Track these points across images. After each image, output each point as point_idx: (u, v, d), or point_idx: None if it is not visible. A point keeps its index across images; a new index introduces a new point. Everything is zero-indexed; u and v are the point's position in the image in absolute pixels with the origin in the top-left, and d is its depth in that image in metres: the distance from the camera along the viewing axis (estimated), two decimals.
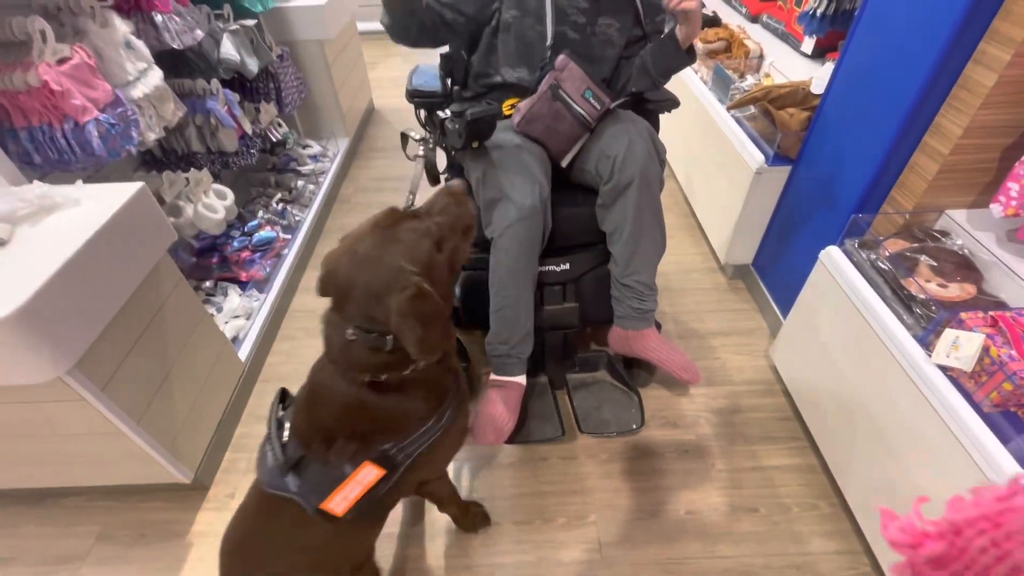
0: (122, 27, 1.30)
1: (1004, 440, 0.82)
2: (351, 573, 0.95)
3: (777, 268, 1.64)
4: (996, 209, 1.00)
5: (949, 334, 0.90)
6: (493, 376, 1.26)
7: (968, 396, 0.88)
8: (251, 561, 0.84)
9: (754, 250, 1.74)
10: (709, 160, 1.85)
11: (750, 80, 1.82)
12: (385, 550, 1.20)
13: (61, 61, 1.12)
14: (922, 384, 0.93)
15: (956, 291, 1.01)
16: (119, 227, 0.99)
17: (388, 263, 0.74)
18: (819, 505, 1.25)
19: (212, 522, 1.27)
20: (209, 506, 1.30)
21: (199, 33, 1.56)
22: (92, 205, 1.00)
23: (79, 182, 1.05)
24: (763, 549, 1.18)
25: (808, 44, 1.77)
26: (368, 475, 0.80)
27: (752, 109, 1.63)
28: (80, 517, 1.29)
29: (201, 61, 1.70)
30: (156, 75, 1.38)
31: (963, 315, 0.92)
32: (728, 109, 1.69)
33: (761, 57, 1.90)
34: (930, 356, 0.92)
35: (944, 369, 0.91)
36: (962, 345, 0.88)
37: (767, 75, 1.84)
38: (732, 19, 2.17)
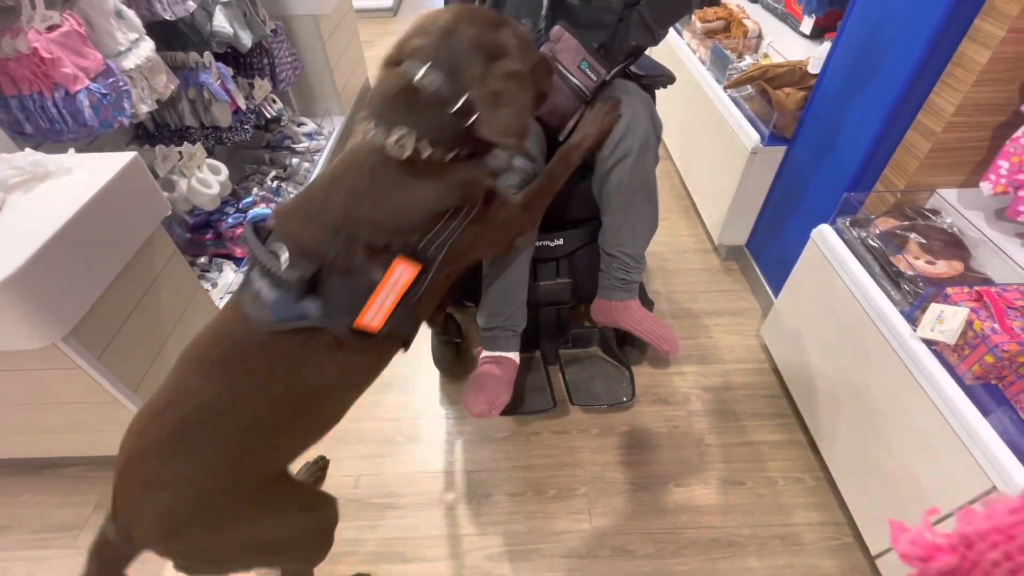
0: None
1: (984, 412, 0.84)
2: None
3: (770, 249, 1.65)
4: (986, 187, 1.01)
5: (934, 308, 0.91)
6: (485, 353, 1.26)
7: (951, 369, 0.90)
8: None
9: (748, 231, 1.75)
10: (705, 140, 1.85)
11: (748, 60, 1.81)
12: (378, 521, 1.23)
13: (51, 28, 1.10)
14: (907, 358, 0.95)
15: (944, 268, 1.02)
16: (112, 196, 0.99)
17: (509, 32, 0.73)
18: (804, 479, 1.28)
19: None
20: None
21: (191, 4, 1.53)
22: (84, 174, 1.00)
23: (71, 151, 1.04)
24: (749, 520, 1.21)
25: (807, 24, 1.76)
26: (402, 276, 0.73)
27: (749, 89, 1.63)
28: (78, 486, 1.30)
29: (193, 33, 1.68)
30: (148, 46, 1.37)
31: (949, 290, 0.93)
32: (725, 89, 1.68)
33: (760, 37, 1.89)
34: (916, 331, 0.94)
35: (929, 343, 0.93)
36: (947, 319, 0.89)
37: (765, 55, 1.83)
38: None
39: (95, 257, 0.97)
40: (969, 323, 0.87)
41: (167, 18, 1.47)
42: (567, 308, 1.37)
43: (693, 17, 2.02)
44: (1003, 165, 0.98)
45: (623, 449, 1.35)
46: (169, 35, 1.69)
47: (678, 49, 2.06)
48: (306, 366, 0.72)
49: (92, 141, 1.46)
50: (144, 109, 1.35)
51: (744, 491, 1.27)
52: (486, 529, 1.21)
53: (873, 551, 1.07)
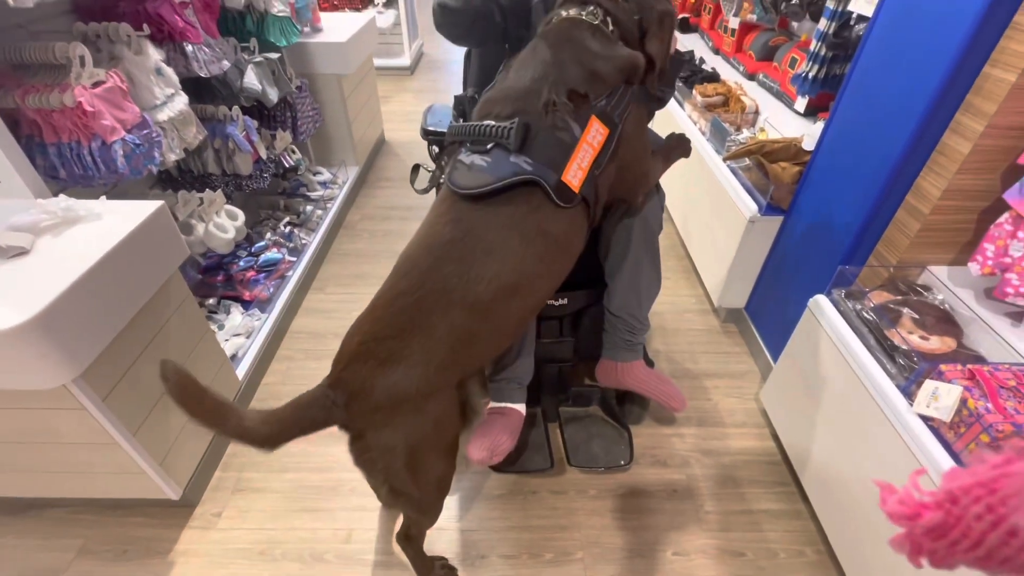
0: (155, 55, 1.38)
1: None
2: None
3: (768, 313, 1.69)
4: (974, 268, 1.05)
5: (929, 385, 0.93)
6: (492, 404, 1.28)
7: (948, 447, 0.91)
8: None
9: (747, 295, 1.79)
10: (705, 207, 1.93)
11: (746, 133, 1.91)
12: None
13: (96, 84, 1.18)
14: (904, 433, 0.96)
15: (937, 344, 1.05)
16: (136, 242, 1.03)
17: None
18: (805, 552, 1.25)
19: (196, 541, 1.26)
20: (195, 524, 1.29)
21: (226, 63, 1.64)
22: (113, 220, 1.04)
23: (103, 197, 1.10)
24: None
25: (801, 103, 1.88)
26: (597, 134, 0.86)
27: (747, 161, 1.71)
28: (63, 529, 1.27)
29: (224, 89, 1.79)
30: (182, 100, 1.45)
31: (943, 367, 0.95)
32: (724, 160, 1.77)
33: (757, 113, 2.00)
34: (912, 406, 0.95)
35: (925, 419, 0.94)
36: (941, 396, 0.91)
37: (762, 130, 1.94)
38: (730, 76, 2.29)
39: (115, 301, 1.00)
40: (963, 401, 0.89)
41: (202, 75, 1.57)
42: (568, 366, 1.38)
43: (694, 91, 2.15)
44: (989, 248, 1.03)
45: (621, 512, 1.33)
46: (201, 88, 1.79)
47: (680, 120, 2.18)
48: (538, 213, 0.84)
49: (116, 185, 1.52)
50: (172, 158, 1.42)
51: (744, 563, 1.24)
52: None
53: None
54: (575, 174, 0.85)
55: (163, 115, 1.39)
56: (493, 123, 0.86)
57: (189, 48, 1.53)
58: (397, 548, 1.23)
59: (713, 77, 2.29)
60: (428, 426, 0.85)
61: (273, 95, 1.88)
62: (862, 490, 1.08)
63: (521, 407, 1.23)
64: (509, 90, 0.89)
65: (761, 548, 1.26)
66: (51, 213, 1.01)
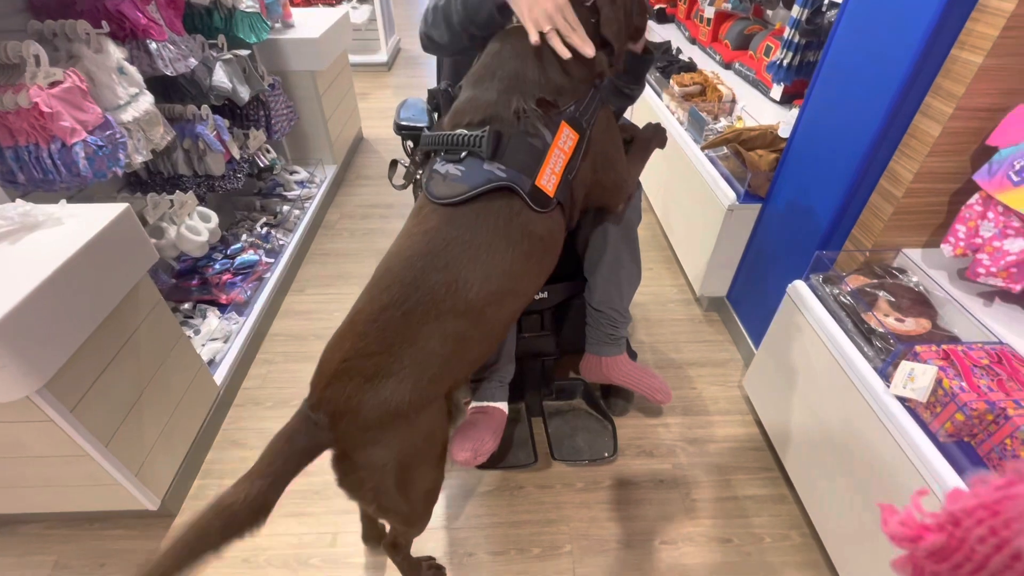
0: (116, 53, 1.33)
1: (959, 470, 0.85)
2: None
3: (750, 301, 1.70)
4: (946, 249, 1.07)
5: (905, 366, 0.94)
6: (474, 403, 1.27)
7: (925, 426, 0.92)
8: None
9: (728, 283, 1.80)
10: (685, 196, 1.93)
11: (723, 122, 1.91)
12: None
13: (53, 84, 1.14)
14: (882, 414, 0.97)
15: (912, 325, 1.06)
16: (100, 247, 1.00)
17: None
18: (791, 535, 1.27)
19: None
20: (175, 534, 1.26)
21: (192, 61, 1.60)
22: (74, 225, 1.01)
23: (63, 201, 1.06)
24: None
25: (776, 91, 1.88)
26: (567, 140, 0.87)
27: (725, 150, 1.72)
28: (36, 546, 1.24)
29: (193, 87, 1.74)
30: (147, 100, 1.41)
31: (918, 348, 0.97)
32: (702, 149, 1.77)
33: (733, 101, 2.01)
34: (889, 387, 0.96)
35: (903, 400, 0.95)
36: (917, 377, 0.92)
37: (739, 118, 1.94)
38: (707, 65, 2.29)
39: (78, 308, 0.96)
40: (938, 381, 0.90)
41: (168, 74, 1.52)
42: (551, 360, 1.38)
43: (672, 81, 2.15)
44: (960, 229, 1.04)
45: (609, 504, 1.33)
46: (168, 87, 1.74)
47: (658, 111, 2.18)
48: (521, 215, 0.84)
49: (83, 189, 1.47)
50: (139, 159, 1.37)
51: (731, 549, 1.24)
52: None
53: None
54: (549, 179, 0.85)
55: (127, 115, 1.34)
56: (465, 132, 0.85)
57: (153, 46, 1.49)
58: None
59: (690, 67, 2.29)
60: (420, 440, 0.83)
61: (244, 93, 1.84)
62: (843, 472, 1.09)
63: (503, 405, 1.22)
64: (477, 99, 0.88)
65: (747, 534, 1.27)
66: (8, 219, 0.97)
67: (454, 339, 0.80)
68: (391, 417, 0.77)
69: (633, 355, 1.42)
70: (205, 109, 1.67)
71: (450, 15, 0.97)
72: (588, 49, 0.87)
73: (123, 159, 1.30)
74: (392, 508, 0.87)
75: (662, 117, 2.11)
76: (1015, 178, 0.95)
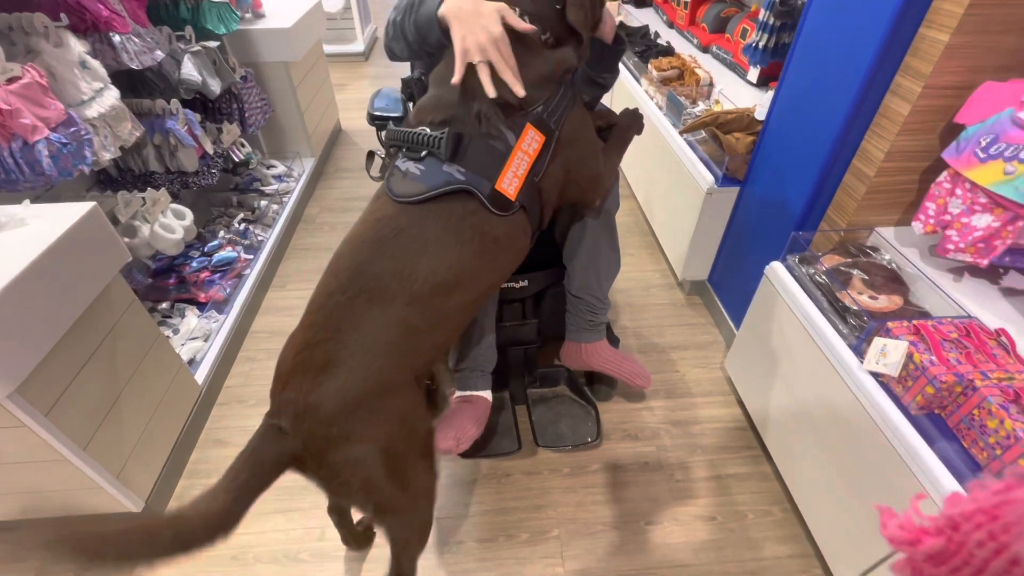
0: (77, 47, 1.29)
1: (930, 442, 0.88)
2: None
3: (730, 283, 1.72)
4: (917, 227, 1.09)
5: (878, 342, 0.96)
6: (458, 393, 1.28)
7: (898, 400, 0.94)
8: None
9: (709, 266, 1.82)
10: (665, 181, 1.94)
11: (701, 106, 1.92)
12: (343, 573, 1.18)
13: (11, 80, 1.10)
14: (856, 390, 0.99)
15: (885, 303, 1.08)
16: (67, 248, 0.97)
17: None
18: (772, 511, 1.30)
19: None
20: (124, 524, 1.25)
21: (159, 54, 1.55)
22: (40, 225, 0.98)
23: (26, 202, 1.03)
24: (720, 556, 1.21)
25: (753, 74, 1.89)
26: (532, 142, 0.85)
27: (703, 133, 1.72)
28: (17, 553, 1.22)
29: (161, 81, 1.70)
30: (112, 95, 1.37)
31: (890, 324, 0.99)
32: (681, 133, 1.78)
33: (711, 85, 2.01)
34: (862, 363, 0.99)
35: (876, 375, 0.98)
36: (889, 352, 0.94)
37: (717, 102, 1.95)
38: (685, 49, 2.29)
39: (47, 310, 0.94)
40: (909, 356, 0.92)
41: (134, 67, 1.48)
42: (534, 348, 1.38)
43: (650, 66, 2.15)
44: (930, 207, 1.06)
45: (595, 488, 1.35)
46: (136, 82, 1.70)
47: (637, 96, 2.17)
48: (475, 216, 0.82)
49: (50, 188, 1.44)
50: (106, 157, 1.34)
51: (715, 526, 1.27)
52: None
53: None
54: (511, 182, 0.84)
55: (92, 111, 1.30)
56: (427, 131, 0.84)
57: (116, 38, 1.44)
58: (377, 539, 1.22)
59: (668, 51, 2.28)
60: (395, 425, 0.80)
61: (215, 86, 1.79)
62: (821, 448, 1.12)
63: (487, 394, 1.22)
64: (441, 98, 0.87)
65: (730, 511, 1.30)
66: None
67: (400, 327, 0.79)
68: (352, 405, 0.74)
69: (615, 341, 1.43)
70: (175, 103, 1.63)
71: (406, 33, 0.96)
72: (518, 88, 0.82)
73: (90, 157, 1.26)
74: (391, 506, 0.83)
75: (641, 102, 2.10)
76: (981, 155, 0.97)
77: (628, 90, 2.27)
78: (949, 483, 0.82)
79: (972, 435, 0.86)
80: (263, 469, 0.72)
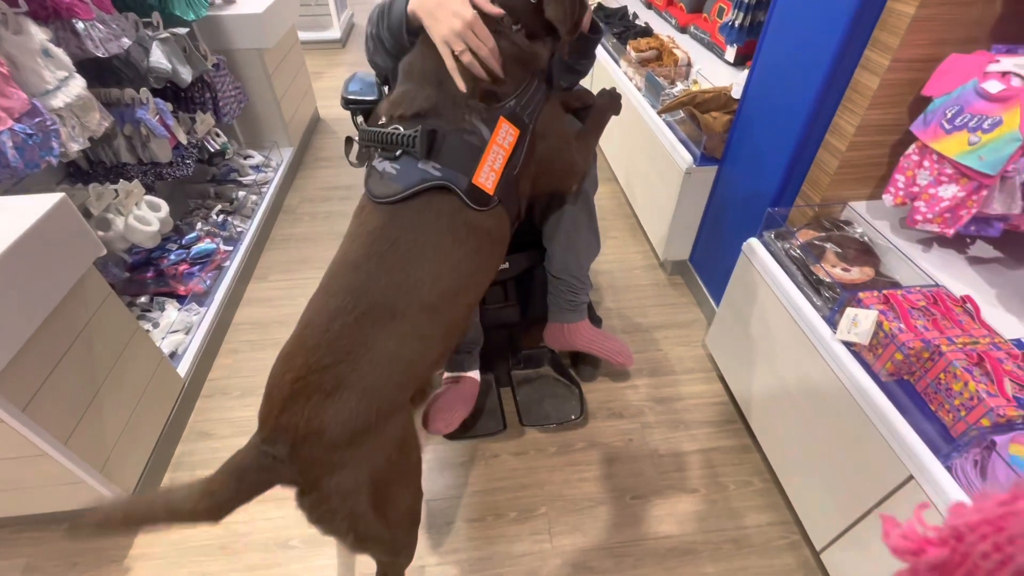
0: (39, 35, 1.25)
1: (899, 406, 0.91)
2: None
3: (711, 262, 1.74)
4: (887, 199, 1.11)
5: (849, 312, 0.99)
6: (447, 374, 1.29)
7: (869, 368, 0.97)
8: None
9: (690, 246, 1.83)
10: (645, 162, 1.95)
11: (680, 86, 1.92)
12: (333, 558, 1.19)
13: None
14: (830, 359, 1.01)
15: (857, 274, 1.11)
16: (35, 241, 0.95)
17: None
18: (753, 482, 1.33)
19: (152, 544, 1.22)
20: (148, 527, 1.25)
21: (125, 41, 1.51)
22: (5, 218, 0.96)
23: None
24: (703, 526, 1.25)
25: (730, 53, 1.90)
26: (507, 135, 0.85)
27: (681, 113, 1.73)
28: (4, 550, 1.21)
29: (129, 70, 1.66)
30: (78, 84, 1.33)
31: (861, 295, 1.01)
32: (659, 114, 1.78)
33: (689, 65, 2.01)
34: (835, 333, 1.01)
35: (848, 345, 1.00)
36: (860, 322, 0.96)
37: (695, 82, 1.95)
38: (663, 30, 2.29)
39: (17, 305, 0.93)
40: (879, 324, 0.95)
41: (99, 55, 1.44)
42: (517, 329, 1.39)
43: (628, 47, 2.14)
44: (899, 179, 1.08)
45: (581, 466, 1.37)
46: (103, 71, 1.65)
47: (616, 77, 2.17)
48: (465, 211, 0.81)
49: (18, 182, 1.40)
50: (75, 148, 1.31)
51: (698, 498, 1.30)
52: (446, 558, 1.20)
53: (817, 546, 1.12)
54: (488, 176, 0.83)
55: (57, 101, 1.27)
56: (399, 130, 0.82)
57: (80, 25, 1.40)
58: None
59: (646, 32, 2.28)
60: (393, 452, 0.77)
61: (186, 74, 1.75)
62: (798, 418, 1.15)
63: (475, 374, 1.24)
64: (411, 93, 0.85)
65: (712, 483, 1.33)
66: None
67: (414, 339, 0.77)
68: (360, 433, 0.71)
69: (598, 321, 1.44)
70: (144, 92, 1.60)
71: (383, 41, 0.95)
72: (498, 68, 0.84)
73: (57, 148, 1.23)
74: (372, 536, 0.79)
75: (620, 83, 2.10)
76: (947, 126, 0.99)
77: (607, 71, 2.27)
78: (917, 445, 0.85)
79: (939, 398, 0.89)
80: (244, 492, 0.69)
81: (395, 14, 0.90)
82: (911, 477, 0.85)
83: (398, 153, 0.82)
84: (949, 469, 0.81)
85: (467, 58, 0.82)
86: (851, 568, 1.03)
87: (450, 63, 0.83)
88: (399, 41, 0.92)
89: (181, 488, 0.69)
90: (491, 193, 0.84)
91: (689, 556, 1.20)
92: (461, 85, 0.83)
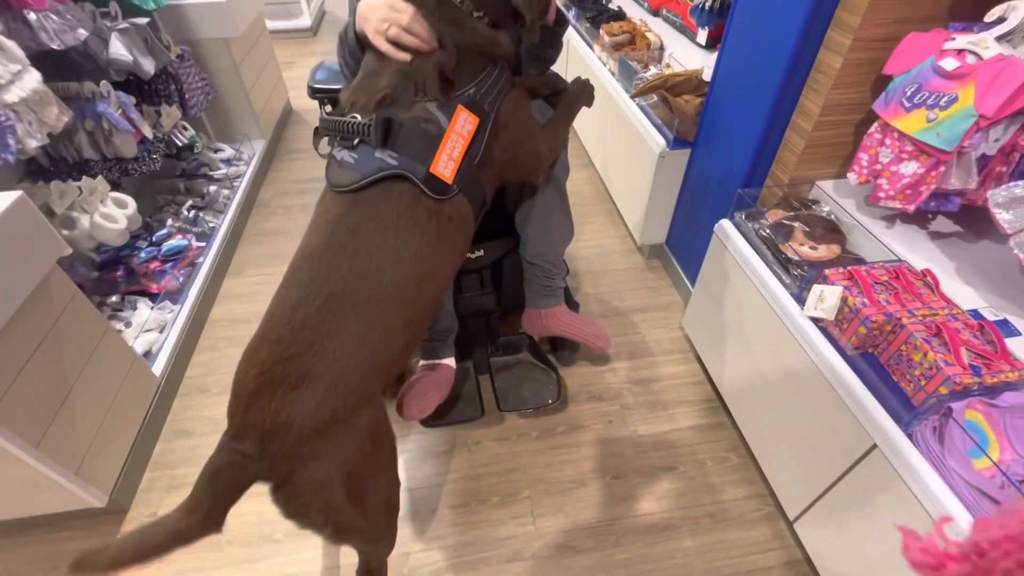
0: None
1: (863, 378, 0.94)
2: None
3: (686, 244, 1.76)
4: (852, 178, 1.13)
5: (816, 289, 1.01)
6: (422, 362, 1.30)
7: (835, 343, 1.00)
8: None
9: (666, 229, 1.85)
10: (620, 147, 1.95)
11: (653, 70, 1.92)
12: (317, 551, 1.20)
13: None
14: (798, 335, 1.04)
15: (824, 252, 1.13)
16: None
17: None
18: (730, 457, 1.37)
19: None
20: (129, 528, 1.24)
21: (82, 32, 1.46)
22: None
23: None
24: (682, 502, 1.28)
25: (702, 35, 1.91)
26: (466, 123, 0.84)
27: (654, 97, 1.74)
28: None
29: (88, 62, 1.61)
30: (33, 77, 1.28)
31: (827, 272, 1.04)
32: (632, 98, 1.79)
33: (662, 48, 2.01)
34: (803, 310, 1.04)
35: (815, 321, 1.03)
36: (826, 298, 0.99)
37: (668, 66, 1.96)
38: (635, 13, 2.28)
39: None
40: (844, 300, 0.97)
41: (55, 47, 1.39)
42: (495, 317, 1.40)
43: (601, 31, 2.13)
44: (863, 157, 1.11)
45: (562, 449, 1.39)
46: (60, 64, 1.59)
47: (590, 62, 2.16)
48: (426, 198, 0.81)
49: None
50: (33, 144, 1.26)
51: (676, 476, 1.33)
52: (431, 544, 1.21)
53: (791, 516, 1.16)
54: (446, 165, 0.82)
55: (11, 95, 1.22)
56: (357, 119, 0.81)
57: (32, 16, 1.35)
58: None
59: (619, 15, 2.27)
60: (365, 443, 0.77)
61: (148, 66, 1.70)
62: (771, 393, 1.18)
63: (450, 361, 1.24)
64: (369, 79, 0.86)
65: (691, 460, 1.36)
66: None
67: (377, 327, 0.76)
68: (328, 424, 0.70)
69: (575, 306, 1.46)
70: (105, 85, 1.55)
71: (349, 65, 0.97)
72: (423, 40, 0.83)
73: (13, 145, 1.19)
74: (350, 527, 0.80)
75: (593, 68, 2.10)
76: (907, 104, 1.01)
77: (580, 56, 2.26)
78: (880, 415, 0.88)
79: (901, 369, 0.92)
80: (225, 494, 0.69)
81: (349, 37, 0.92)
82: (875, 446, 0.89)
83: (356, 142, 0.81)
84: (910, 437, 0.84)
85: (393, 31, 0.83)
86: (822, 537, 1.07)
87: (384, 46, 0.83)
88: (358, 59, 0.93)
89: (172, 512, 0.69)
90: (450, 182, 0.83)
91: (668, 532, 1.23)
92: (399, 56, 0.83)
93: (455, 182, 0.83)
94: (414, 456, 1.38)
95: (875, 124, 1.09)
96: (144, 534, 0.68)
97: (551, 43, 1.13)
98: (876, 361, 0.97)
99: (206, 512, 0.68)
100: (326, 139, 1.17)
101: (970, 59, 0.95)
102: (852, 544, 0.97)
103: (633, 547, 1.20)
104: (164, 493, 1.30)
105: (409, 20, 0.82)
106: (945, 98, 0.96)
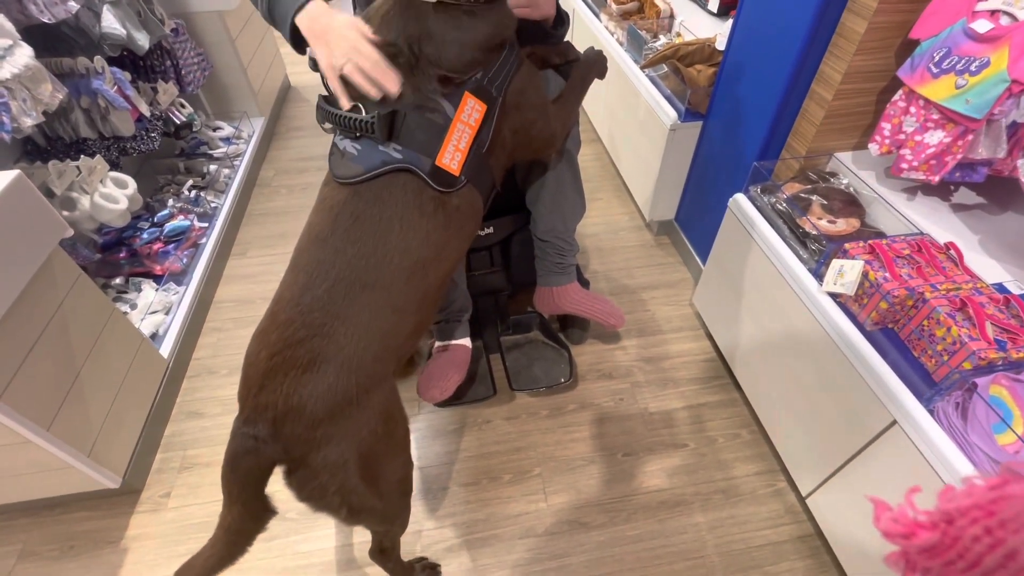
0: None
1: (883, 354, 0.92)
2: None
3: (697, 220, 1.73)
4: (873, 148, 1.10)
5: (835, 264, 0.99)
6: (437, 343, 1.29)
7: (854, 318, 0.98)
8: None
9: (675, 205, 1.82)
10: (628, 120, 1.90)
11: (663, 40, 1.86)
12: (331, 529, 1.21)
13: None
14: (816, 311, 1.02)
15: (843, 226, 1.10)
16: None
17: None
18: (741, 434, 1.36)
19: (147, 524, 1.22)
20: (143, 508, 1.25)
21: (72, 5, 1.41)
22: None
23: None
24: (693, 479, 1.28)
25: (714, 3, 1.83)
26: (473, 111, 0.80)
27: (664, 68, 1.68)
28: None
29: (81, 37, 1.56)
30: (25, 53, 1.24)
31: (847, 246, 1.01)
32: (642, 68, 1.73)
33: (672, 17, 1.94)
34: (821, 286, 1.01)
35: (834, 296, 1.01)
36: (846, 273, 0.97)
37: (678, 34, 1.89)
38: None
39: None
40: (865, 274, 0.95)
41: (45, 21, 1.34)
42: (505, 295, 1.38)
43: (608, 0, 2.06)
44: (886, 127, 1.07)
45: (573, 427, 1.39)
46: (53, 39, 1.55)
47: (597, 32, 2.09)
48: (425, 191, 0.78)
49: None
50: (28, 123, 1.23)
51: (687, 452, 1.33)
52: (443, 522, 1.22)
53: (803, 492, 1.16)
54: (452, 157, 0.78)
55: (4, 72, 1.18)
56: (361, 113, 0.77)
57: None
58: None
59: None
60: (378, 424, 0.76)
61: (143, 40, 1.65)
62: (784, 370, 1.16)
63: (466, 341, 1.23)
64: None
65: (702, 437, 1.36)
66: None
67: (387, 310, 0.75)
68: (341, 406, 0.70)
69: (585, 284, 1.44)
70: (99, 61, 1.50)
71: (260, 11, 0.91)
72: (390, 83, 0.75)
73: (8, 123, 1.16)
74: (364, 508, 0.79)
75: (601, 38, 2.03)
76: (934, 70, 0.97)
77: (587, 26, 2.19)
78: (901, 391, 0.86)
79: (922, 344, 0.90)
80: (249, 480, 0.69)
81: (280, 11, 0.84)
82: (895, 422, 0.87)
83: (358, 134, 0.78)
84: (931, 413, 0.83)
85: (355, 75, 0.76)
86: (835, 512, 1.07)
87: (334, 83, 0.78)
88: (280, 31, 0.88)
89: (220, 514, 0.73)
90: (457, 174, 0.79)
91: (680, 507, 1.23)
92: (344, 100, 0.77)
93: (462, 173, 0.80)
94: (424, 435, 1.38)
95: (899, 92, 1.05)
96: (214, 543, 0.72)
97: (560, 21, 1.09)
98: (896, 337, 0.96)
99: (242, 501, 0.70)
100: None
101: (1004, 20, 0.90)
102: (866, 519, 0.97)
103: (645, 523, 1.21)
104: (176, 473, 1.31)
105: (371, 66, 0.75)
106: (976, 62, 0.91)
